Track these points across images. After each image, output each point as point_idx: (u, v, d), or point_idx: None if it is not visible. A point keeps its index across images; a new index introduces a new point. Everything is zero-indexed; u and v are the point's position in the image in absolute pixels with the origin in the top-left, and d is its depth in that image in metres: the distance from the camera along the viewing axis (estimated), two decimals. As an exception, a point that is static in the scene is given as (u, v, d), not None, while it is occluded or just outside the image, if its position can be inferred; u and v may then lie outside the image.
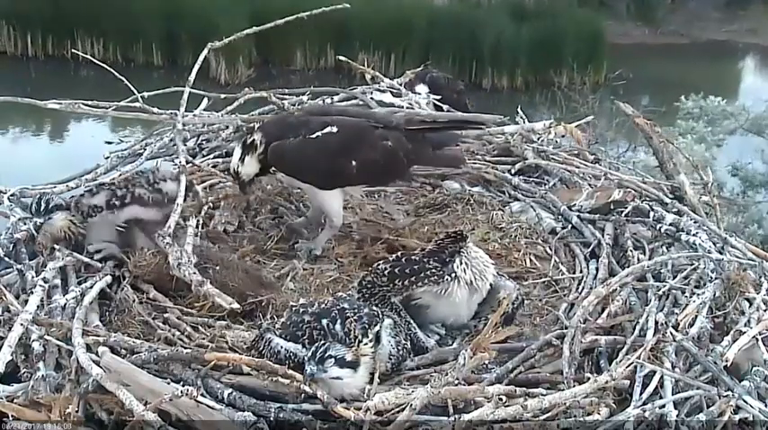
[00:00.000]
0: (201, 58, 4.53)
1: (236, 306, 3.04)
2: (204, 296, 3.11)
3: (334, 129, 3.64)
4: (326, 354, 2.53)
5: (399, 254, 3.20)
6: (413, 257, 3.13)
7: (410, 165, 3.86)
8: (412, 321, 3.03)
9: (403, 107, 5.13)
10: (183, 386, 2.51)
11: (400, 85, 5.69)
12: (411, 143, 3.75)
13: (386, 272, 3.07)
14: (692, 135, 8.44)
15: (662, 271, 3.41)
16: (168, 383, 2.57)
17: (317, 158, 3.61)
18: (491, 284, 3.15)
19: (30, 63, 17.83)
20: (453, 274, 3.06)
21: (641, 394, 2.61)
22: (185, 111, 4.37)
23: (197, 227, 3.60)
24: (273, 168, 3.71)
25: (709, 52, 22.49)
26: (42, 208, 3.35)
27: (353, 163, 3.65)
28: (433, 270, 3.07)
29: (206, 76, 16.76)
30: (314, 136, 3.62)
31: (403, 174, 3.97)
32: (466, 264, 3.09)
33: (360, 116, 3.91)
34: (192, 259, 3.24)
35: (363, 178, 3.80)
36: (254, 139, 3.63)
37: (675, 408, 2.56)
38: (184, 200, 3.51)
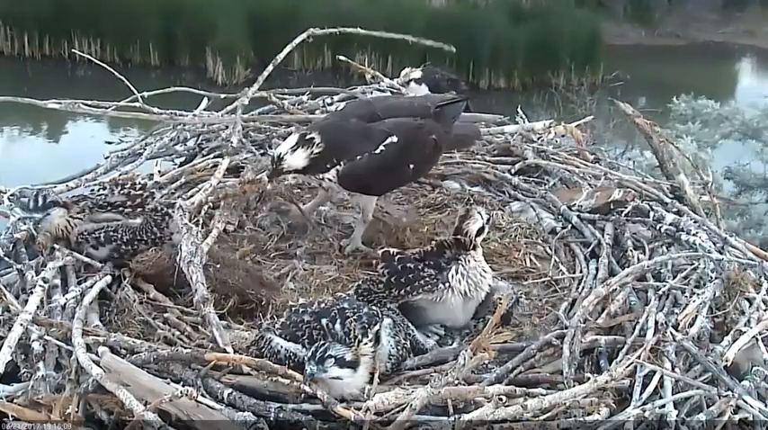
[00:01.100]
0: (300, 37, 4.63)
1: (229, 349, 2.79)
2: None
3: (395, 139, 3.61)
4: (326, 354, 2.53)
5: (396, 257, 3.13)
6: (408, 265, 3.08)
7: (443, 148, 4.05)
8: (410, 325, 3.02)
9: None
10: (183, 386, 2.51)
11: (400, 84, 5.71)
12: (441, 125, 3.86)
13: (382, 279, 3.07)
14: (690, 136, 8.43)
15: (662, 271, 3.41)
16: (168, 383, 2.57)
17: (385, 175, 3.67)
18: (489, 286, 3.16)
19: (26, 63, 17.83)
20: (447, 284, 3.06)
21: (641, 394, 2.61)
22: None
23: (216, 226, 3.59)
24: (327, 179, 3.58)
25: (706, 54, 22.51)
26: (40, 203, 3.34)
27: (411, 166, 3.76)
28: (427, 278, 3.05)
29: (203, 77, 16.80)
30: (378, 151, 3.59)
31: (438, 159, 4.16)
32: (462, 274, 3.08)
33: (405, 111, 3.86)
34: (203, 260, 3.17)
35: (415, 177, 4.00)
36: (312, 137, 3.51)
37: (675, 408, 2.56)
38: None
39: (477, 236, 3.16)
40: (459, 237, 3.14)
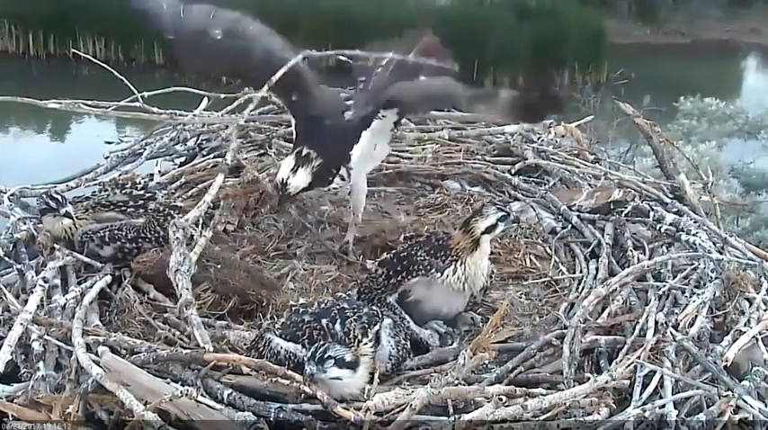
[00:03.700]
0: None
1: (209, 348, 2.78)
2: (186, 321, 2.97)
3: None
4: (326, 355, 2.53)
5: (391, 255, 3.18)
6: (402, 254, 3.14)
7: None
8: (408, 318, 3.06)
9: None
10: (183, 386, 2.51)
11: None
12: None
13: (380, 277, 3.12)
14: (696, 136, 8.44)
15: (662, 271, 3.41)
16: (168, 383, 2.57)
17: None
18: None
19: (31, 62, 17.87)
20: (441, 273, 3.08)
21: (641, 394, 2.61)
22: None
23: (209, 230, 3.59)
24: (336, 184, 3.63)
25: (711, 52, 22.43)
26: (62, 199, 3.36)
27: None
28: (421, 262, 3.09)
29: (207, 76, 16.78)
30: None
31: None
32: (458, 277, 3.09)
33: None
34: (192, 269, 3.18)
35: None
36: (308, 153, 3.46)
37: (675, 408, 2.56)
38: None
39: (485, 233, 3.12)
40: (464, 232, 3.11)
